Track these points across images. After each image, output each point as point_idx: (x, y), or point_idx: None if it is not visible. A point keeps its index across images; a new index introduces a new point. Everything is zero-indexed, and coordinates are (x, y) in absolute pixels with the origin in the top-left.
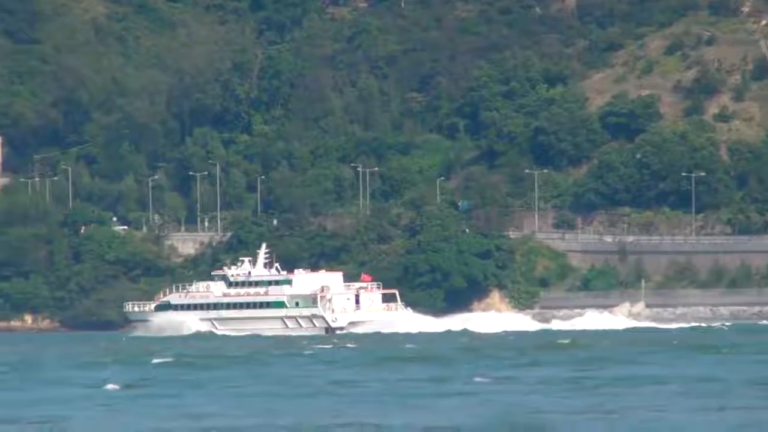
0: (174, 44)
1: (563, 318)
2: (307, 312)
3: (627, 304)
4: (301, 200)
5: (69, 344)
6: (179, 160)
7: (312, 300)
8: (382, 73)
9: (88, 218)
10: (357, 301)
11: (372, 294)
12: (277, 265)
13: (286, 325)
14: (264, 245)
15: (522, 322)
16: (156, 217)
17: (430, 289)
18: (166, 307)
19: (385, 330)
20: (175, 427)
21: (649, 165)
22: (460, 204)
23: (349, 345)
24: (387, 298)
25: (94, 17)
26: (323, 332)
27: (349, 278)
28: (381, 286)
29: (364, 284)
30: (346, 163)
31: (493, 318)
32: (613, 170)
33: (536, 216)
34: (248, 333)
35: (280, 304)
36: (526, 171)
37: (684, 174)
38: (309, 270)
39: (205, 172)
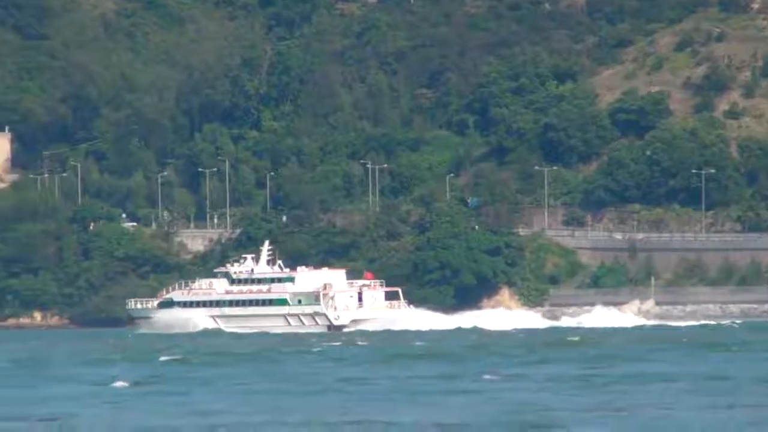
0: (183, 40)
1: (572, 315)
2: (309, 309)
3: (637, 302)
4: (310, 197)
5: (78, 341)
6: (188, 156)
7: (315, 297)
8: (392, 69)
9: (97, 215)
10: (360, 299)
11: (375, 292)
12: (280, 262)
13: (289, 322)
14: (267, 242)
15: (531, 319)
16: (165, 213)
17: (439, 286)
18: (169, 304)
19: (387, 328)
20: (184, 424)
21: (659, 162)
22: (469, 201)
23: (358, 342)
24: (390, 296)
25: (103, 13)
26: (326, 330)
27: (356, 275)
28: (384, 283)
29: (367, 282)
30: (355, 160)
31: (503, 315)
32: (622, 167)
33: (546, 213)
34: (251, 330)
35: (282, 302)
36: (536, 168)
37: (694, 171)
38: (312, 267)
39: (215, 169)
